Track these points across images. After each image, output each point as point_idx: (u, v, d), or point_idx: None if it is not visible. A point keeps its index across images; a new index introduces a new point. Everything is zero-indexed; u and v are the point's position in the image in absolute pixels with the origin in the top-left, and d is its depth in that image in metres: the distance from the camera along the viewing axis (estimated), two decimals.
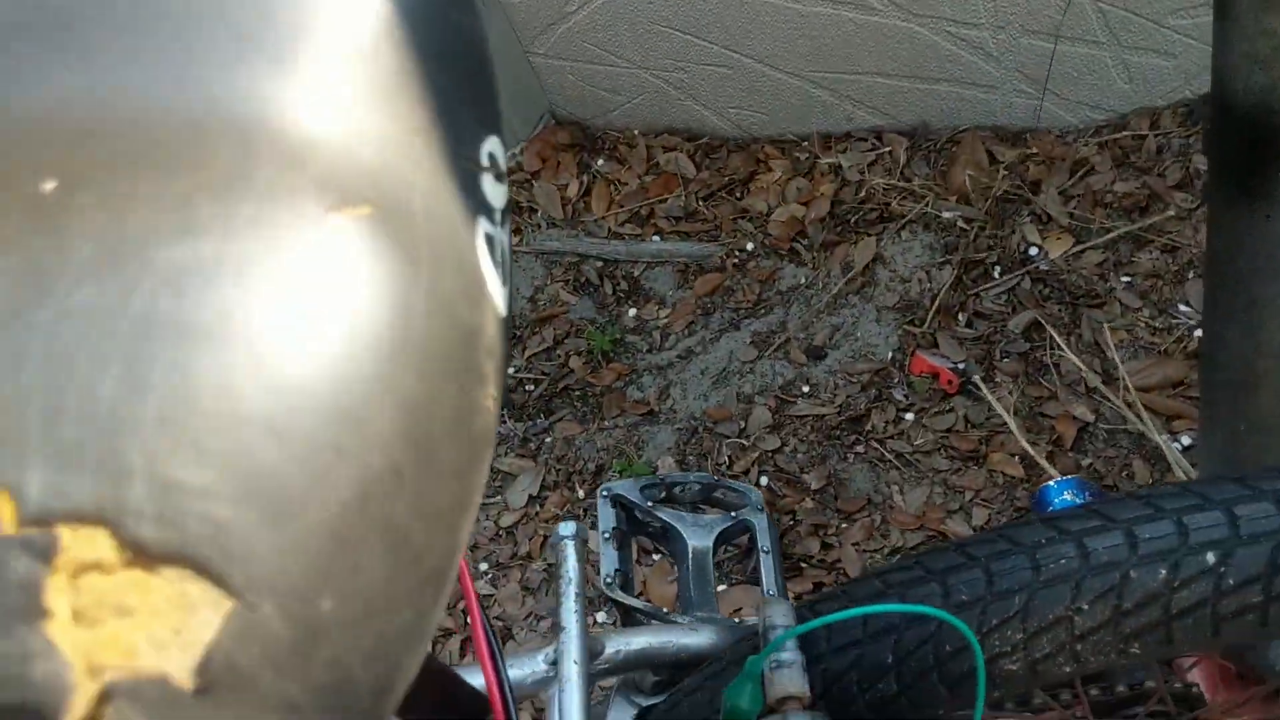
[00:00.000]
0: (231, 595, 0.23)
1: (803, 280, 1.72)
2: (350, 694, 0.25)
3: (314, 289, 0.26)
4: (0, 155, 0.26)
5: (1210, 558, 0.52)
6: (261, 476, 0.23)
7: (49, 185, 0.25)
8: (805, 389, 1.62)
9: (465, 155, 0.33)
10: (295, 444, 0.24)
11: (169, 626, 0.22)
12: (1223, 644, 0.54)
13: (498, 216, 0.35)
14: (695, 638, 0.75)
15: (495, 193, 0.35)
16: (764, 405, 1.61)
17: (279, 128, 0.28)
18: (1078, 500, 0.90)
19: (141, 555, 0.22)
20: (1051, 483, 0.92)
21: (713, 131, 1.87)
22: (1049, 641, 0.54)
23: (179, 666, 0.22)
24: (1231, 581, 0.52)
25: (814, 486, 1.53)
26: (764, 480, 1.56)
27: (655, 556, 1.52)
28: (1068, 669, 0.55)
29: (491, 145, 0.36)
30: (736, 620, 0.83)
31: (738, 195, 1.83)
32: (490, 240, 0.34)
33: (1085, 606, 0.54)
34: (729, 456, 1.58)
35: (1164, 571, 0.53)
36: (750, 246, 1.77)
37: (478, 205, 0.33)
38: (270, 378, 0.24)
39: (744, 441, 1.59)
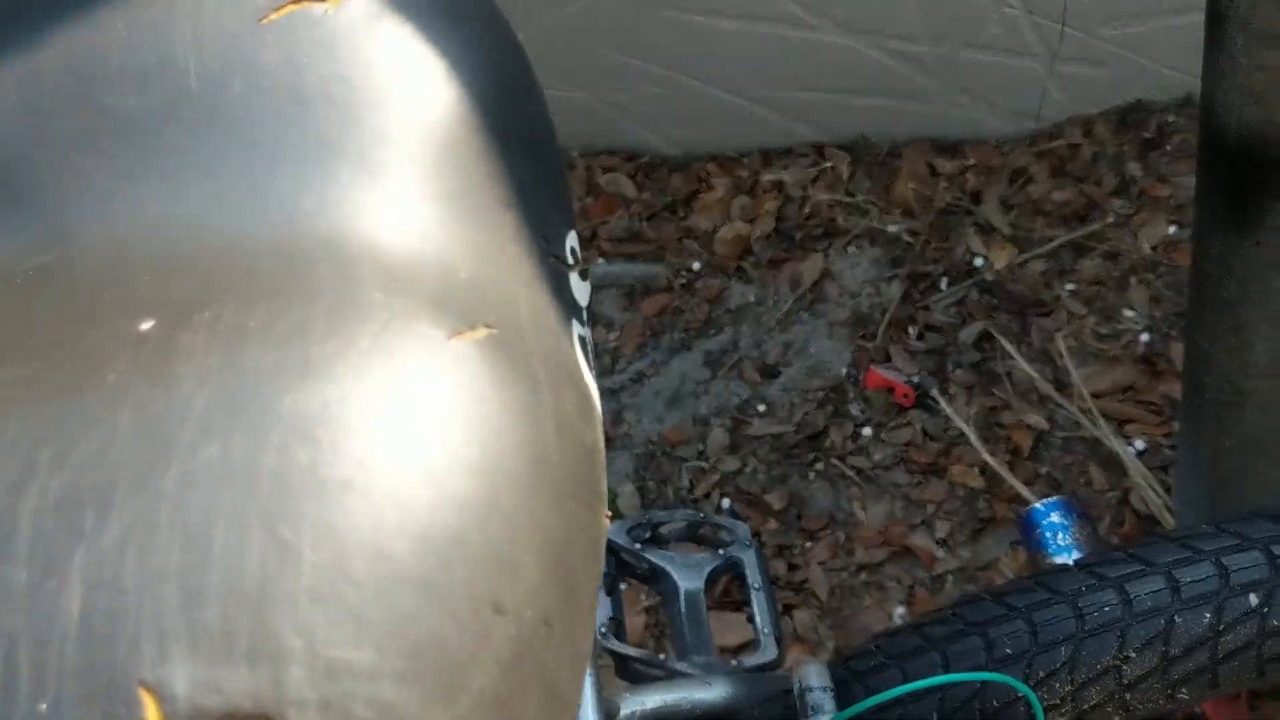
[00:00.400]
0: None
1: (752, 298, 1.71)
2: None
3: (449, 427, 0.23)
4: (85, 292, 0.23)
5: (1253, 599, 0.52)
6: (424, 647, 0.21)
7: (146, 325, 0.22)
8: (761, 408, 1.61)
9: (553, 255, 0.31)
10: (454, 604, 0.22)
11: None
12: (1267, 683, 0.54)
13: (584, 315, 0.33)
14: (710, 692, 0.73)
15: (581, 291, 0.33)
16: (721, 426, 1.60)
17: (376, 244, 0.25)
18: (1066, 521, 0.91)
19: None
20: (1038, 504, 0.92)
21: (652, 151, 1.86)
22: (1098, 692, 0.54)
23: None
24: (1275, 622, 0.52)
25: (776, 507, 1.52)
26: (726, 503, 1.54)
27: (621, 586, 1.50)
28: (1116, 718, 0.55)
29: (572, 239, 0.34)
30: (734, 662, 0.82)
31: (681, 215, 1.82)
32: (583, 342, 0.32)
33: (1133, 655, 0.53)
34: (689, 480, 1.57)
35: (1209, 616, 0.53)
36: (696, 266, 1.76)
37: (569, 307, 0.31)
38: (420, 531, 0.22)
39: (703, 464, 1.58)
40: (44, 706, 0.19)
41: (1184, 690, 0.54)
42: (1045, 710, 0.54)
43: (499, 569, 0.23)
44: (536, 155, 0.33)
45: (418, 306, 0.25)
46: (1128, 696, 0.54)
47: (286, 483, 0.21)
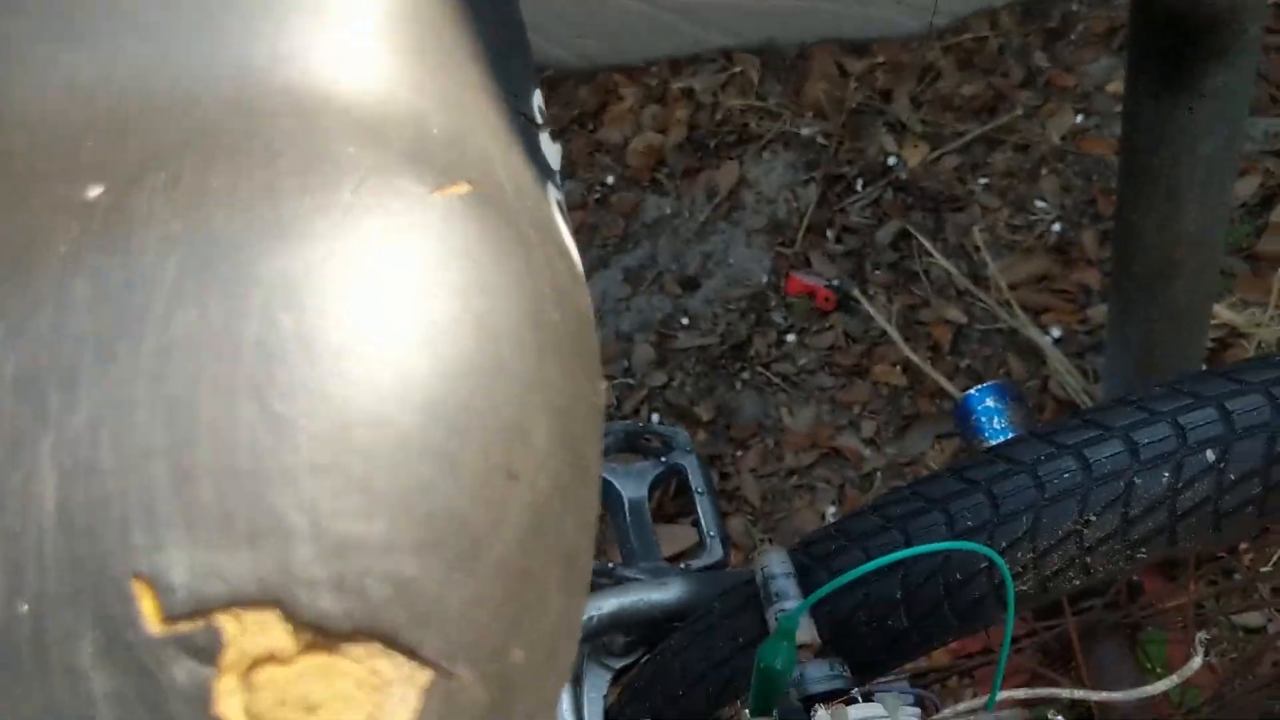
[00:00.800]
0: (426, 665, 0.19)
1: (668, 210, 1.69)
2: None
3: (445, 288, 0.21)
4: (20, 162, 0.21)
5: (1210, 456, 0.53)
6: (438, 517, 0.19)
7: (94, 191, 0.20)
8: (685, 321, 1.60)
9: (523, 112, 0.29)
10: (466, 472, 0.20)
11: (363, 714, 0.18)
12: (1224, 539, 0.54)
13: (558, 179, 0.31)
14: (665, 593, 0.72)
15: (552, 152, 0.30)
16: (645, 342, 1.59)
17: (340, 96, 0.23)
18: (1001, 405, 0.91)
19: (321, 634, 0.18)
20: (972, 390, 0.92)
21: (556, 63, 1.81)
22: (1060, 558, 0.54)
23: None
24: (1232, 477, 0.53)
25: (705, 418, 1.52)
26: (655, 417, 1.54)
27: None
28: (1078, 582, 0.55)
29: (538, 99, 0.31)
30: (684, 567, 0.81)
31: (590, 128, 1.78)
32: (560, 206, 0.30)
33: (1093, 518, 0.53)
34: (617, 397, 1.55)
35: (1167, 474, 0.53)
36: (610, 180, 1.73)
37: (543, 169, 0.29)
38: (425, 397, 0.20)
39: (630, 380, 1.56)
40: (24, 608, 0.17)
41: (1144, 550, 0.54)
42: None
43: (509, 435, 0.21)
44: (497, 9, 0.30)
45: (395, 160, 0.22)
46: (1089, 560, 0.54)
47: (273, 351, 0.19)
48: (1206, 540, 0.54)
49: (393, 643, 0.18)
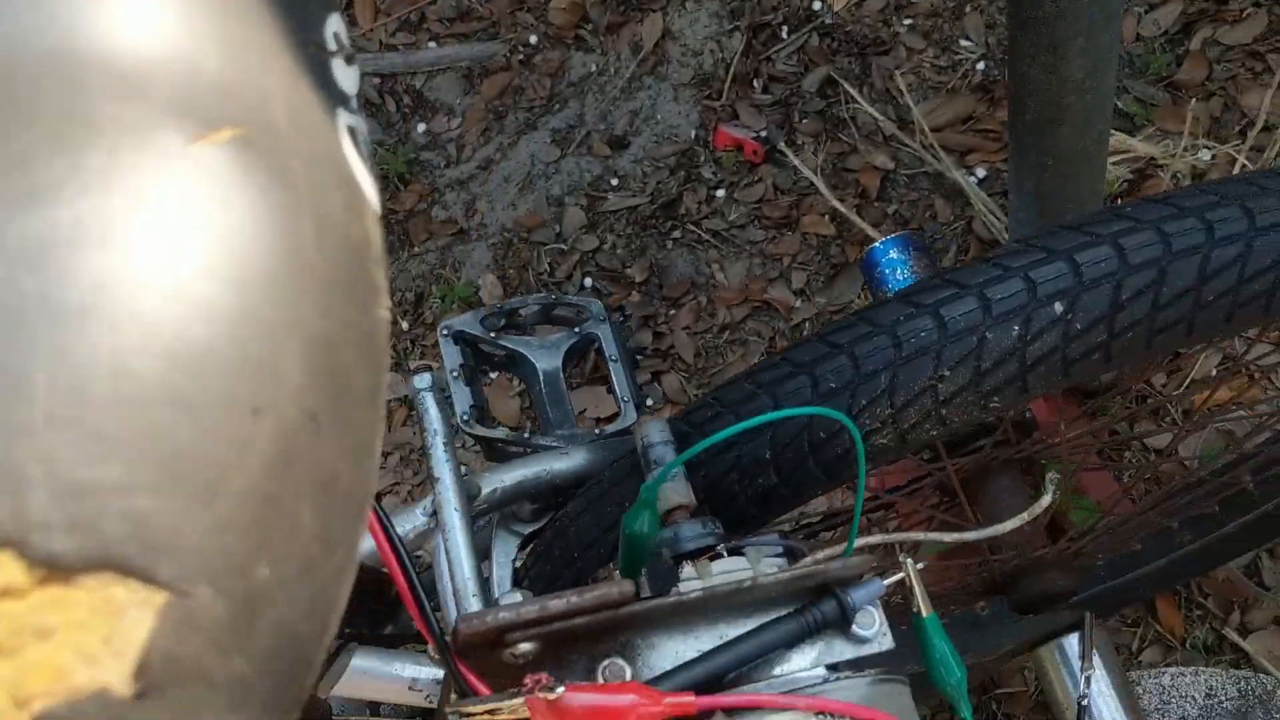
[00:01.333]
0: (161, 588, 0.21)
1: (593, 67, 1.66)
2: (296, 649, 0.24)
3: (193, 238, 0.22)
4: None
5: (1058, 308, 0.55)
6: (177, 457, 0.21)
7: None
8: (614, 182, 1.59)
9: (312, 42, 0.29)
10: (207, 413, 0.22)
11: (97, 637, 0.20)
12: (1072, 383, 0.57)
13: (354, 103, 0.31)
14: (568, 461, 0.75)
15: (347, 77, 0.31)
16: (576, 205, 1.58)
17: (108, 52, 0.24)
18: (904, 256, 0.93)
19: (56, 570, 0.20)
20: (876, 244, 0.94)
21: None
22: (916, 412, 0.56)
23: (115, 674, 0.21)
24: (1079, 326, 0.55)
25: (638, 279, 1.53)
26: (588, 281, 1.55)
27: (492, 375, 1.51)
28: (934, 433, 0.57)
29: (334, 24, 0.31)
30: (597, 431, 0.84)
31: None
32: (353, 133, 0.30)
33: (947, 373, 0.56)
34: (549, 264, 1.56)
35: (1017, 328, 0.55)
36: (533, 39, 1.69)
37: (334, 96, 0.29)
38: (166, 346, 0.21)
39: (562, 246, 1.56)
40: None
41: (996, 399, 0.56)
42: (869, 433, 0.57)
43: (254, 373, 0.23)
44: None
45: (156, 114, 0.23)
46: (944, 412, 0.57)
47: (14, 314, 0.20)
48: (1056, 386, 0.57)
49: (127, 571, 0.20)
